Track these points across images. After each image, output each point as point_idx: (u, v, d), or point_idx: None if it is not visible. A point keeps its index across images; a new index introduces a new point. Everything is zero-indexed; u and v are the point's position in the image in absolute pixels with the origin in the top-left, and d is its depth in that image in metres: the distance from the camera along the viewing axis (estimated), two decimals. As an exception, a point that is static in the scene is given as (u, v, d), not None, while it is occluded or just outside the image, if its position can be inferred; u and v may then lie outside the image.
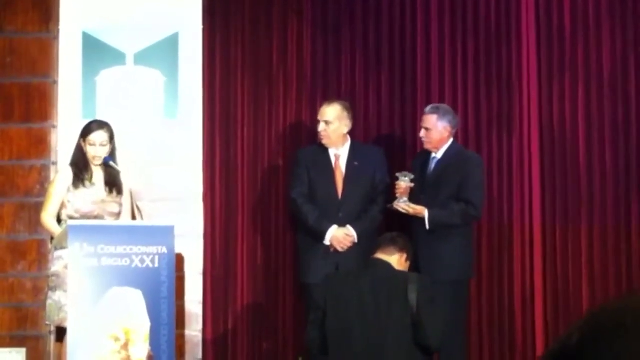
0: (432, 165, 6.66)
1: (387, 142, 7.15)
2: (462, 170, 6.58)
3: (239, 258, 7.16)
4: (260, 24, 7.27)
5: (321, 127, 6.74)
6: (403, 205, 6.50)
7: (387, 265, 5.65)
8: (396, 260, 5.69)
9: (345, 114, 6.75)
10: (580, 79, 7.13)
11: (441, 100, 7.08)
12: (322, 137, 6.76)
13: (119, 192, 6.32)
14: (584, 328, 1.22)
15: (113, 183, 6.31)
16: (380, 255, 5.69)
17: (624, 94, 7.10)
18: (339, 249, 6.61)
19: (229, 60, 7.24)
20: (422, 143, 6.70)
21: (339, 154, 6.81)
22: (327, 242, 6.63)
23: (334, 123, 6.73)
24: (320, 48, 7.26)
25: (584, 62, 7.14)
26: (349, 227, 6.65)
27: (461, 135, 7.10)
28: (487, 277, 7.07)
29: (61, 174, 6.38)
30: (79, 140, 6.34)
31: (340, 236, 6.63)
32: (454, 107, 7.09)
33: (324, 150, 6.80)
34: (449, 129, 6.64)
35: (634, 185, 7.04)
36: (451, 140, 6.68)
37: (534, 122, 7.12)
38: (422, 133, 6.64)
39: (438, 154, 6.66)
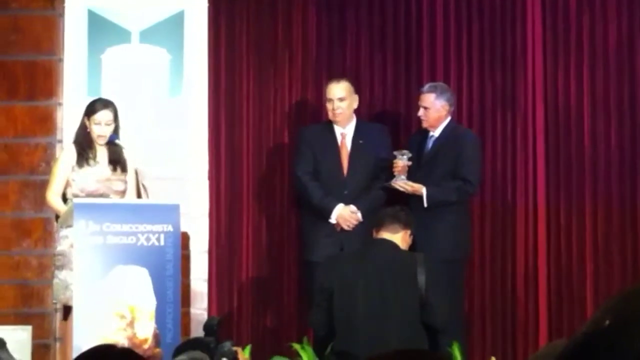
0: (429, 143, 6.71)
1: (392, 122, 7.14)
2: (458, 148, 6.63)
3: (244, 236, 7.16)
4: (265, 2, 7.25)
5: (335, 104, 6.71)
6: (401, 183, 6.53)
7: (393, 246, 5.64)
8: (400, 237, 5.70)
9: (353, 90, 6.77)
10: (586, 57, 7.11)
11: (446, 79, 7.07)
12: (336, 115, 6.72)
13: (123, 169, 6.31)
14: (615, 311, 1.22)
15: (117, 160, 6.30)
16: (385, 234, 5.67)
17: (630, 73, 7.07)
18: (345, 228, 6.61)
19: (234, 39, 7.22)
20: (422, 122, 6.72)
21: (345, 132, 6.81)
22: (333, 220, 6.63)
23: (347, 99, 6.73)
24: (325, 27, 7.24)
25: (589, 41, 7.12)
26: (352, 205, 6.65)
27: (466, 115, 7.11)
28: (490, 257, 7.07)
29: (65, 152, 6.38)
30: (82, 119, 6.33)
31: (346, 214, 6.62)
32: (459, 86, 7.09)
33: (330, 128, 6.81)
34: (446, 107, 6.67)
35: (639, 164, 7.03)
36: (448, 118, 6.72)
37: (539, 101, 7.11)
38: (421, 112, 6.68)
39: (435, 132, 6.70)
